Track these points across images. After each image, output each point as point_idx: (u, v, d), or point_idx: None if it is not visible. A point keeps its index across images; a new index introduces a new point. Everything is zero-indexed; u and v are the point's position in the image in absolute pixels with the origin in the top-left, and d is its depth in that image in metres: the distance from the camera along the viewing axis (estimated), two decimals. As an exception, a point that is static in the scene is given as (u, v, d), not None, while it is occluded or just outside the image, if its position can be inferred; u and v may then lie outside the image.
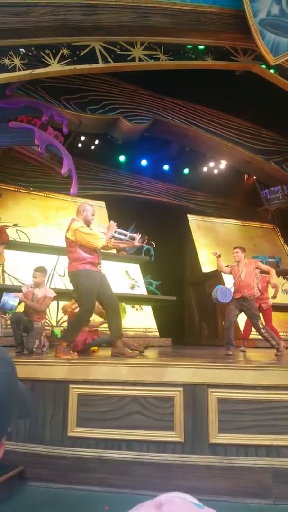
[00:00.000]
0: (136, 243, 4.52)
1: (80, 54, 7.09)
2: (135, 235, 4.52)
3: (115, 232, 4.35)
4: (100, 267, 4.26)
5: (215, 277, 8.69)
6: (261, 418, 3.09)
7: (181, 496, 0.58)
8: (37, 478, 3.12)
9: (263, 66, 7.90)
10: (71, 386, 3.32)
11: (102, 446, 3.17)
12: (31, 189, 9.36)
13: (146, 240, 4.55)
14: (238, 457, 3.05)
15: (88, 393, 3.30)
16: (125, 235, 4.46)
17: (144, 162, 11.60)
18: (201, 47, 7.72)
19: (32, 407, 0.67)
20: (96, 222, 4.50)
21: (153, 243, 4.93)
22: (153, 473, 3.01)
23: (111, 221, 4.42)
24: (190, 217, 11.26)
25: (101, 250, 4.30)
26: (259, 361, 4.25)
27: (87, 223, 4.23)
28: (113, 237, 4.37)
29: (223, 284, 7.23)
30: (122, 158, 11.30)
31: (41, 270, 5.09)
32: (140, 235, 4.52)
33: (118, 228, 4.42)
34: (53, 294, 5.03)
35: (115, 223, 4.38)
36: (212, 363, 3.46)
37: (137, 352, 4.14)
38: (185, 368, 3.30)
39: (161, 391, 3.20)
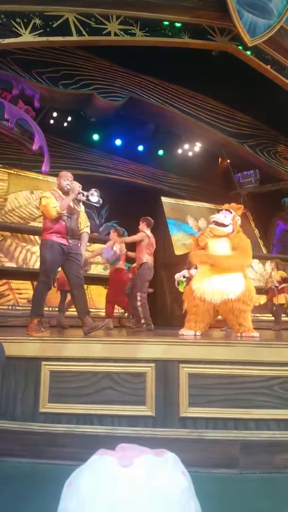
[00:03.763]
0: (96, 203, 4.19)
1: (53, 26, 6.86)
2: (90, 196, 4.14)
3: (79, 194, 4.07)
4: (73, 241, 4.07)
5: (186, 260, 8.77)
6: (230, 393, 3.17)
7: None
8: (9, 454, 3.11)
9: (240, 47, 7.89)
10: (43, 363, 3.31)
11: (74, 421, 3.19)
12: (0, 166, 9.08)
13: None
14: (207, 430, 3.14)
15: (61, 369, 3.30)
16: (84, 196, 4.12)
17: (118, 142, 11.45)
18: (178, 25, 7.62)
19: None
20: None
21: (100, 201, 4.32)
22: (124, 447, 3.06)
23: (75, 184, 4.12)
24: (164, 199, 11.25)
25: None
26: (229, 338, 4.35)
27: (62, 190, 4.09)
28: (80, 200, 4.13)
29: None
30: (95, 137, 11.11)
31: None
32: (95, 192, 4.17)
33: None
34: None
35: (79, 185, 4.09)
36: (184, 340, 3.52)
37: (108, 319, 4.18)
38: (157, 345, 3.34)
39: (133, 367, 3.23)
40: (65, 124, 10.56)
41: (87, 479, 0.59)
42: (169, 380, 3.20)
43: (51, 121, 10.26)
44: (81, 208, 4.30)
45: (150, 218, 5.89)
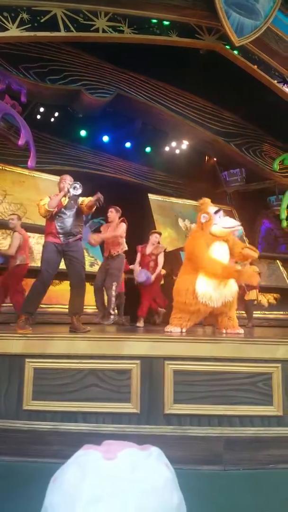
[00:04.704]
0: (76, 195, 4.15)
1: (41, 21, 6.78)
2: (73, 186, 4.10)
3: (68, 193, 4.08)
4: (67, 239, 4.06)
5: (174, 256, 8.79)
6: (214, 389, 3.20)
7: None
8: (-9, 452, 3.08)
9: (227, 47, 7.91)
10: (27, 360, 3.28)
11: (59, 419, 3.17)
12: (-14, 161, 8.97)
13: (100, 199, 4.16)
14: (192, 427, 3.16)
15: (45, 367, 3.28)
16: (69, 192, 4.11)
17: (105, 138, 11.40)
18: (166, 23, 7.60)
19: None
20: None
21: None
22: (109, 444, 3.06)
23: (68, 182, 4.16)
24: (151, 196, 11.25)
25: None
26: (213, 334, 4.38)
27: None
28: (76, 198, 4.14)
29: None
30: (83, 133, 11.04)
31: None
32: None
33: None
34: None
35: (69, 183, 4.13)
36: (169, 337, 3.53)
37: (89, 328, 4.11)
38: (143, 342, 3.34)
39: (118, 364, 3.23)
40: (52, 119, 10.47)
41: (72, 472, 0.60)
42: (154, 377, 3.21)
43: (38, 116, 10.16)
44: None
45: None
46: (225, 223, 4.40)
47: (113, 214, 5.58)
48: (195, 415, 3.17)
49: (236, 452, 3.10)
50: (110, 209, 5.63)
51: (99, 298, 5.39)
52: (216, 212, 4.42)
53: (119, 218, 5.65)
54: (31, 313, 4.01)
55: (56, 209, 4.06)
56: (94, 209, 4.26)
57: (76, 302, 4.17)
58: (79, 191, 4.10)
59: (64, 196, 4.13)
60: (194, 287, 4.20)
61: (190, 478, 2.82)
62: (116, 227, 5.52)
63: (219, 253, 4.30)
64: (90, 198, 4.18)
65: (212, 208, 4.47)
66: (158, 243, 6.23)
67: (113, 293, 5.26)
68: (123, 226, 5.56)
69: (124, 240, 5.64)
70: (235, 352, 3.28)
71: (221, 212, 4.46)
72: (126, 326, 6.06)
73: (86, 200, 4.20)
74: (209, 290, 4.19)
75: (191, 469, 3.00)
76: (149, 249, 6.13)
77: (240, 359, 3.25)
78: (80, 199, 4.20)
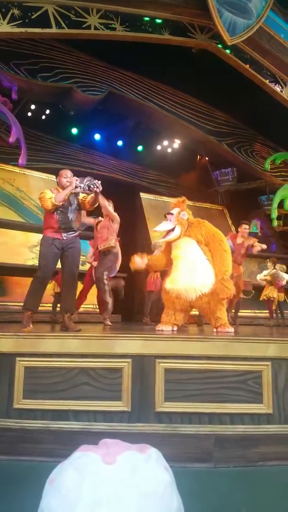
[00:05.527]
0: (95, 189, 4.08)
1: (32, 17, 6.75)
2: (85, 183, 4.05)
3: (76, 188, 4.02)
4: (68, 234, 4.03)
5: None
6: (205, 387, 3.21)
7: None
8: (-18, 451, 3.07)
9: (220, 46, 7.93)
10: (18, 359, 3.27)
11: (50, 417, 3.17)
12: (-24, 158, 8.89)
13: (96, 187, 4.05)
14: (182, 425, 3.17)
15: (36, 365, 3.26)
16: (81, 187, 4.06)
17: (97, 137, 11.36)
18: (159, 21, 7.61)
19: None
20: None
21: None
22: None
23: (73, 177, 4.12)
24: (143, 195, 11.24)
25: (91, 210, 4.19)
26: (204, 333, 4.41)
27: (63, 188, 4.07)
28: (78, 192, 4.09)
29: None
30: (74, 131, 10.98)
31: None
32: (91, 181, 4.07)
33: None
34: None
35: (77, 179, 4.08)
36: (160, 335, 3.54)
37: (80, 327, 4.09)
38: (134, 340, 3.35)
39: (110, 363, 3.23)
40: (43, 117, 10.40)
41: (70, 476, 0.59)
42: (145, 375, 3.21)
43: (29, 114, 10.08)
44: None
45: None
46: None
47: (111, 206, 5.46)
48: (186, 413, 3.18)
49: (227, 449, 3.12)
50: (108, 202, 5.48)
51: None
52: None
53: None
54: (32, 310, 3.98)
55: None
56: (96, 204, 4.23)
57: (67, 300, 4.17)
58: (100, 189, 4.05)
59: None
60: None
61: (180, 476, 2.82)
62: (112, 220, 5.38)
63: (180, 249, 4.43)
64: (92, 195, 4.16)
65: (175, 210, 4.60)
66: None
67: (106, 287, 5.04)
68: (115, 215, 5.45)
69: (114, 237, 5.47)
70: (226, 351, 3.30)
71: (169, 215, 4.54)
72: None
73: (88, 197, 4.18)
74: (174, 284, 4.31)
75: (181, 466, 3.00)
76: (240, 239, 6.26)
77: (230, 357, 3.27)
78: (81, 195, 4.18)
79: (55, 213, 4.02)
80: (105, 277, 5.06)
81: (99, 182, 4.06)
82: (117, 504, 0.55)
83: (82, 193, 4.13)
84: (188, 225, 4.53)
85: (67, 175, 4.13)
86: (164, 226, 4.54)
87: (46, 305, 6.74)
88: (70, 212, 4.09)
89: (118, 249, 5.44)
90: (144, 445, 0.64)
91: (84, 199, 4.17)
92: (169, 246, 4.66)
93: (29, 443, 3.09)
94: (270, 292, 7.51)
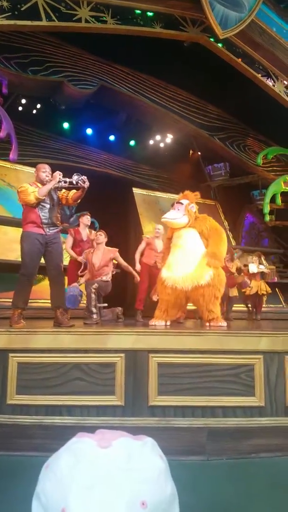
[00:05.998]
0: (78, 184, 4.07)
1: (22, 9, 6.66)
2: (73, 179, 4.04)
3: (60, 182, 3.99)
4: (50, 229, 4.01)
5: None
6: (198, 381, 3.23)
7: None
8: (-25, 447, 3.06)
9: (212, 39, 7.90)
10: (10, 355, 3.26)
11: (43, 412, 3.17)
12: None
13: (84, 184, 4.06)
14: (176, 418, 3.19)
15: (29, 361, 3.26)
16: (66, 182, 4.03)
17: (89, 131, 11.29)
18: (150, 14, 7.55)
19: None
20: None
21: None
22: (93, 437, 3.06)
23: (56, 172, 4.07)
24: (136, 190, 11.20)
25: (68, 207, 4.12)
26: (197, 327, 4.42)
27: (42, 182, 4.01)
28: (59, 188, 4.07)
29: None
30: (66, 125, 10.91)
31: None
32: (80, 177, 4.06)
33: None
34: None
35: (59, 173, 4.03)
36: (153, 330, 3.54)
37: (73, 323, 4.07)
38: (127, 335, 3.35)
39: (103, 358, 3.24)
40: (34, 111, 10.31)
41: (65, 460, 0.59)
42: (138, 370, 3.22)
43: (20, 108, 9.99)
44: None
45: None
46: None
47: (102, 237, 5.39)
48: (179, 407, 3.20)
49: (219, 442, 3.15)
50: (99, 232, 5.47)
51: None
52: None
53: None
54: (21, 308, 3.95)
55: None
56: (79, 201, 4.22)
57: (58, 295, 4.14)
58: (87, 184, 4.06)
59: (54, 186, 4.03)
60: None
61: (174, 469, 2.85)
62: (106, 252, 5.32)
63: (181, 239, 4.48)
64: (74, 191, 4.14)
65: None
66: None
67: (93, 295, 4.95)
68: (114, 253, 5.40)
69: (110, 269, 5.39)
70: (218, 344, 3.32)
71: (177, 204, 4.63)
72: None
73: (71, 193, 4.15)
74: (172, 272, 4.31)
75: (175, 459, 3.02)
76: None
77: (223, 351, 3.29)
78: (62, 190, 4.15)
79: (36, 208, 3.96)
80: (93, 290, 4.98)
81: (85, 177, 4.06)
82: (111, 488, 0.55)
83: (64, 188, 4.10)
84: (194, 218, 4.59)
85: (45, 169, 4.08)
86: (173, 214, 4.55)
87: (38, 301, 6.73)
88: (51, 207, 4.06)
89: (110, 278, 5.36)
90: (141, 435, 0.65)
91: (64, 195, 4.16)
92: (170, 239, 4.68)
93: (22, 438, 3.09)
94: (258, 287, 7.48)
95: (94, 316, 4.94)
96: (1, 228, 7.85)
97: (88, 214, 5.93)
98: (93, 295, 4.98)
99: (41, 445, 3.02)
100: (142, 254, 6.04)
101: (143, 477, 0.56)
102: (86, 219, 5.83)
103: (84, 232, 5.76)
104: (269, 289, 7.48)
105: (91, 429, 3.06)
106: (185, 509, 2.17)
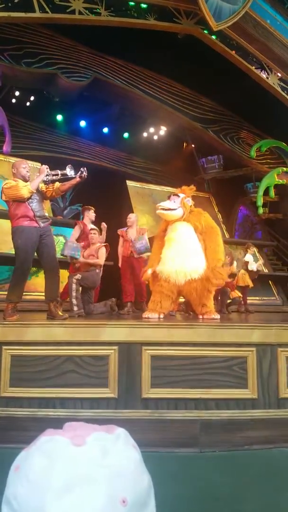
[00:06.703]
0: (75, 176, 4.17)
1: (15, 1, 6.58)
2: (66, 171, 4.14)
3: (48, 176, 4.05)
4: (43, 222, 4.03)
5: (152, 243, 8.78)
6: (191, 373, 3.25)
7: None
8: None
9: (205, 31, 7.85)
10: (4, 347, 3.26)
11: (36, 405, 3.17)
12: None
13: (83, 174, 4.16)
14: (169, 411, 3.21)
15: (22, 354, 3.26)
16: (57, 175, 4.11)
17: (82, 123, 11.23)
18: (144, 6, 7.49)
19: None
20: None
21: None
22: (87, 429, 3.08)
23: (42, 165, 4.12)
24: (129, 183, 11.17)
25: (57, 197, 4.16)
26: (190, 320, 4.44)
27: (24, 179, 4.02)
28: (50, 181, 4.11)
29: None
30: (59, 118, 10.84)
31: None
32: (72, 169, 4.17)
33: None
34: None
35: (46, 166, 4.08)
36: (146, 322, 3.55)
37: (66, 315, 4.07)
38: (121, 328, 3.36)
39: (96, 350, 3.24)
40: (28, 103, 10.23)
41: (38, 461, 0.58)
42: (131, 362, 3.23)
43: (13, 100, 9.91)
44: None
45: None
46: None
47: (96, 236, 5.54)
48: (172, 399, 3.22)
49: (212, 434, 3.18)
50: (93, 231, 5.59)
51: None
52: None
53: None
54: (15, 302, 3.95)
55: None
56: (64, 193, 4.27)
57: (52, 288, 4.15)
58: (73, 172, 4.16)
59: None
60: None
61: (167, 461, 2.87)
62: (97, 251, 5.43)
63: (174, 232, 4.50)
64: (58, 184, 4.19)
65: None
66: None
67: (74, 285, 4.85)
68: (103, 251, 5.48)
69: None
70: (211, 337, 3.33)
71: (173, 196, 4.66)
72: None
73: (57, 184, 4.19)
74: (166, 266, 4.33)
75: (168, 451, 3.05)
76: None
77: (215, 344, 3.31)
78: (42, 184, 4.17)
79: (27, 202, 3.97)
80: (74, 281, 4.89)
81: (85, 168, 4.19)
82: (90, 488, 0.55)
83: (57, 181, 4.15)
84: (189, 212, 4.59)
85: (25, 165, 4.13)
86: (168, 204, 4.57)
87: (31, 294, 6.72)
88: (40, 200, 4.10)
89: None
90: (111, 426, 0.64)
91: (48, 188, 4.18)
92: (164, 231, 4.68)
93: (15, 430, 3.09)
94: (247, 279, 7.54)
95: (75, 308, 4.80)
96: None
97: (92, 208, 6.03)
98: (74, 285, 4.86)
99: (34, 437, 3.02)
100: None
101: (121, 472, 0.56)
102: (92, 214, 5.99)
103: (89, 226, 5.91)
104: (251, 283, 7.54)
105: (84, 421, 3.08)
106: (178, 501, 2.20)
